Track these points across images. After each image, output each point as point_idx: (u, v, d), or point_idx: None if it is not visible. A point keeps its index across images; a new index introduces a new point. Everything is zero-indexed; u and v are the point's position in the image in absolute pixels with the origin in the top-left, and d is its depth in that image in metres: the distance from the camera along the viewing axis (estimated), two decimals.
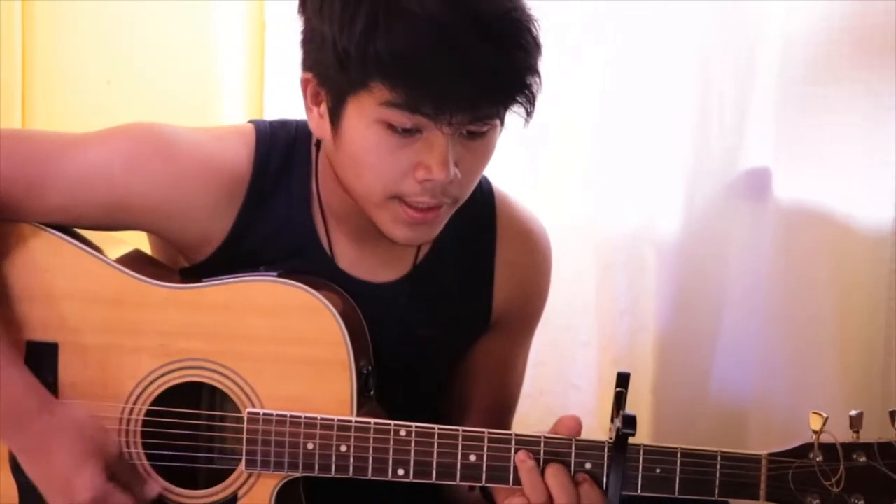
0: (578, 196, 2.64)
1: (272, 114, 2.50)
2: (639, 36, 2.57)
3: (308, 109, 1.76)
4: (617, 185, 2.63)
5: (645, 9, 2.54)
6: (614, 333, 2.65)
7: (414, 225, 1.72)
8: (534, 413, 2.53)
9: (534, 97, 1.67)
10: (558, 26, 2.53)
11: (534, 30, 1.65)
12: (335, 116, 1.69)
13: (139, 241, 1.92)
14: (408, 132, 1.65)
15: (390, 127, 1.64)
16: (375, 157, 1.67)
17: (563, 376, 2.65)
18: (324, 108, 1.72)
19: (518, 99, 1.66)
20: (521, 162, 2.61)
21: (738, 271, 2.63)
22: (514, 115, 2.48)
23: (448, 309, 1.92)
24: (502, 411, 2.03)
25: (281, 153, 1.85)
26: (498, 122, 1.70)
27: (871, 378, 2.57)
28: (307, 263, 1.83)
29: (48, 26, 2.49)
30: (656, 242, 2.64)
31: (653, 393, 2.64)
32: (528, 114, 1.69)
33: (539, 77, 1.67)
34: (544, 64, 2.51)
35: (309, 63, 1.72)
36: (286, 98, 2.43)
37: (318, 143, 1.84)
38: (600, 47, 2.58)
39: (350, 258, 1.87)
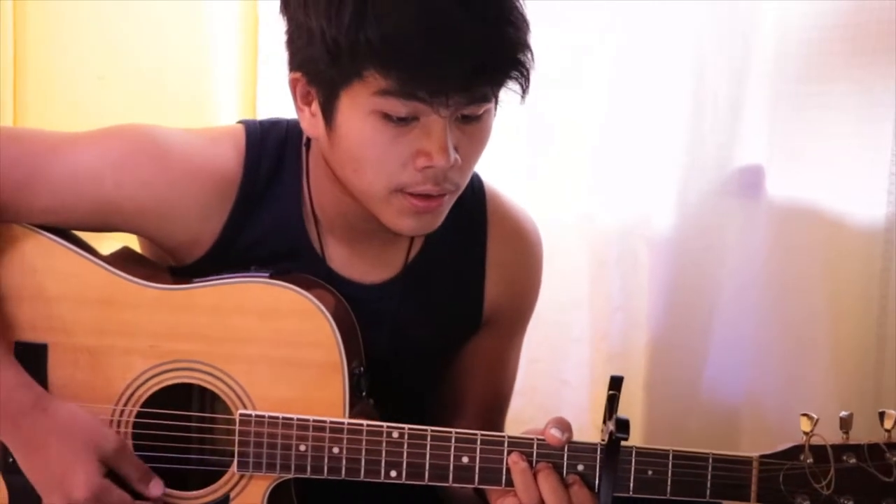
0: (572, 193, 2.64)
1: (265, 111, 2.49)
2: (633, 33, 2.56)
3: (299, 110, 1.75)
4: (611, 182, 2.62)
5: (639, 6, 2.53)
6: (607, 330, 2.64)
7: (419, 214, 1.71)
8: (527, 410, 2.52)
9: (527, 73, 1.67)
10: (556, 24, 2.54)
11: (520, 6, 1.65)
12: (328, 113, 1.69)
13: (130, 239, 1.91)
14: (403, 121, 1.64)
15: (386, 117, 1.63)
16: (373, 150, 1.66)
17: (555, 373, 2.64)
18: (315, 106, 1.71)
19: (511, 75, 1.66)
20: (515, 159, 2.60)
21: (732, 269, 2.62)
22: (506, 109, 2.55)
23: (439, 309, 1.92)
24: (495, 409, 2.03)
25: (272, 154, 1.84)
26: (493, 104, 1.70)
27: (863, 375, 2.57)
28: (299, 265, 1.83)
29: (40, 22, 2.47)
30: (650, 239, 2.64)
31: (645, 390, 2.63)
32: (524, 90, 1.69)
33: (531, 52, 1.67)
34: (542, 61, 2.54)
35: (297, 62, 1.71)
36: (279, 95, 2.41)
37: (308, 142, 1.84)
38: (594, 46, 2.57)
39: (341, 259, 1.87)
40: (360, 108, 1.64)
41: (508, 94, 2.48)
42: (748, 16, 2.55)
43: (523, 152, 2.62)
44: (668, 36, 2.56)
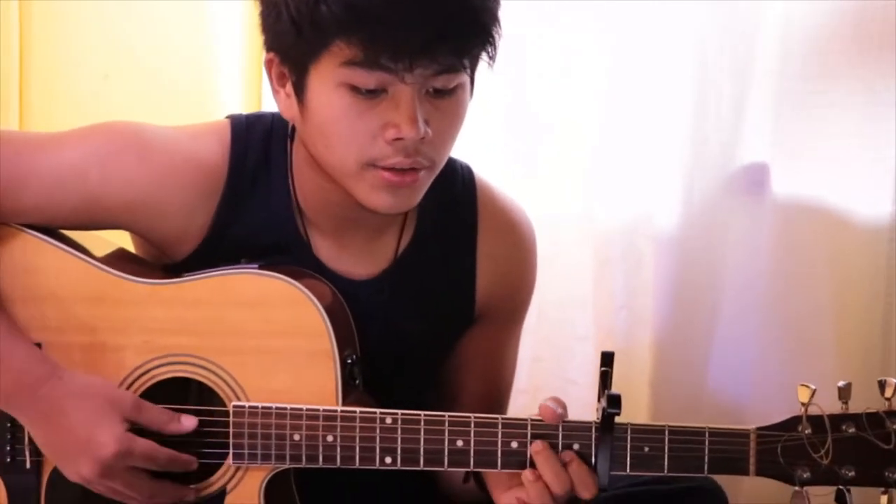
0: (576, 190, 2.64)
1: (270, 107, 2.50)
2: (637, 31, 2.57)
3: (275, 93, 1.76)
4: (615, 179, 2.63)
5: (641, 5, 2.54)
6: (612, 328, 2.64)
7: (393, 189, 1.70)
8: (530, 409, 2.50)
9: (493, 41, 1.66)
10: (559, 21, 2.55)
11: None
12: (300, 90, 1.70)
13: (123, 240, 1.92)
14: (372, 93, 1.64)
15: (354, 89, 1.64)
16: (343, 124, 1.67)
17: (560, 372, 2.64)
18: (289, 87, 1.72)
19: (475, 43, 1.66)
20: (519, 156, 2.62)
21: (736, 266, 2.62)
22: (508, 108, 2.57)
23: (431, 302, 1.91)
24: (494, 406, 2.01)
25: (257, 147, 1.85)
26: (465, 77, 1.70)
27: (868, 372, 2.55)
28: (289, 259, 1.82)
29: (45, 21, 2.49)
30: (654, 237, 2.64)
31: (650, 387, 2.63)
32: (491, 58, 1.69)
33: (498, 23, 1.66)
34: (544, 59, 2.56)
35: (269, 42, 1.72)
36: None
37: (293, 133, 1.84)
38: (599, 43, 2.58)
39: (329, 253, 1.87)
40: (328, 81, 1.65)
41: (509, 94, 2.54)
42: (752, 13, 2.56)
43: (527, 150, 2.62)
44: (671, 34, 2.57)
